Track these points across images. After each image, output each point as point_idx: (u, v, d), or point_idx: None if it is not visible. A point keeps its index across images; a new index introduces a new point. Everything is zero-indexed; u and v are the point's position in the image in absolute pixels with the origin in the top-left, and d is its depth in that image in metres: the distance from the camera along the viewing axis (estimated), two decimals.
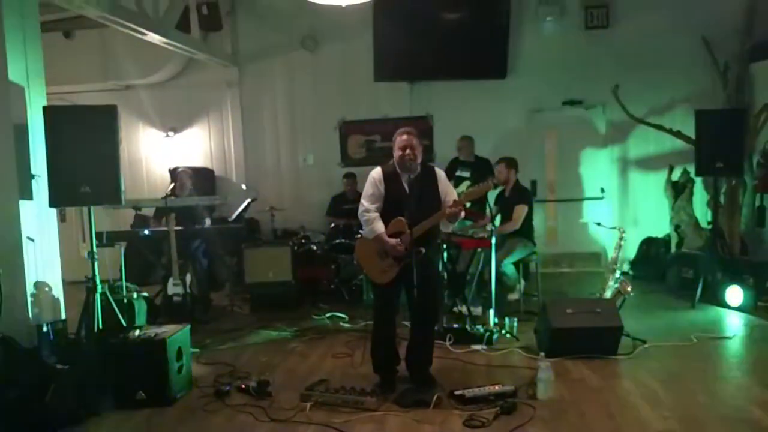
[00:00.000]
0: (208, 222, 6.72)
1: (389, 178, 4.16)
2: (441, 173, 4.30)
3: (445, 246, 5.76)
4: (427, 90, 8.73)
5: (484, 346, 5.09)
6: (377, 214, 4.13)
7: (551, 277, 7.84)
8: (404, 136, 4.11)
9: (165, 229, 6.20)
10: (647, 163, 8.41)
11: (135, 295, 5.59)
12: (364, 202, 4.18)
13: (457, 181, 7.03)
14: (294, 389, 4.17)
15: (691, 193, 7.75)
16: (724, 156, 6.17)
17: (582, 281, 7.73)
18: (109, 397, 4.06)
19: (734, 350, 5.08)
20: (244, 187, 8.03)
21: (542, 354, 4.21)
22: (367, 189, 4.20)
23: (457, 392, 3.95)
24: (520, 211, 6.28)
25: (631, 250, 8.16)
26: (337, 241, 7.40)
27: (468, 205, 4.93)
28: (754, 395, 3.95)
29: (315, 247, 7.41)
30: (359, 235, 4.53)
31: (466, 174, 7.33)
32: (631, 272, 8.13)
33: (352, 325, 6.06)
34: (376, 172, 4.20)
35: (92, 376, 4.07)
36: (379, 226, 4.09)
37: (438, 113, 8.70)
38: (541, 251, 6.86)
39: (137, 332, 4.28)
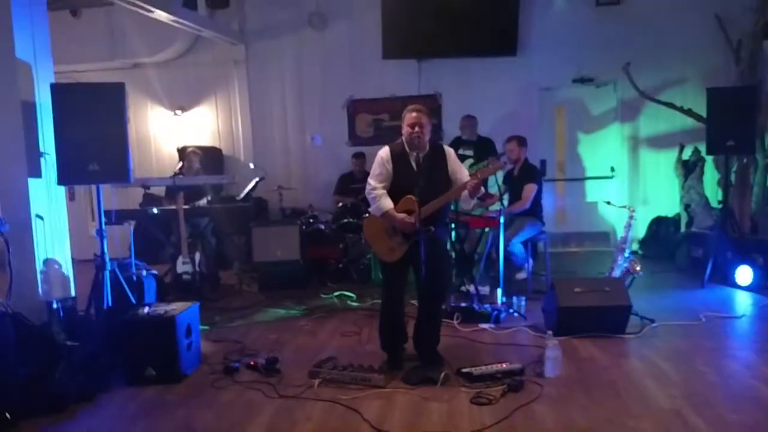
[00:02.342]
0: (204, 201, 6.72)
1: (397, 157, 4.12)
2: (450, 152, 4.24)
3: (453, 225, 5.74)
4: (435, 68, 8.64)
5: (492, 325, 5.10)
6: (384, 191, 4.10)
7: (560, 256, 7.85)
8: (413, 114, 4.06)
9: (173, 207, 6.21)
10: (658, 142, 8.33)
11: (144, 273, 5.61)
12: (372, 182, 4.15)
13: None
14: (302, 366, 4.19)
15: (702, 172, 7.69)
16: (736, 134, 6.11)
17: (591, 260, 7.72)
18: (119, 373, 4.10)
19: (743, 329, 5.05)
20: (251, 166, 8.02)
21: (550, 333, 4.21)
22: (375, 168, 4.17)
23: (464, 370, 3.95)
24: (530, 190, 6.25)
25: (640, 230, 8.14)
26: (345, 220, 7.39)
27: None
28: (762, 374, 3.94)
29: (323, 227, 7.40)
30: (367, 215, 4.51)
31: (469, 153, 7.29)
32: (640, 251, 8.12)
33: (359, 304, 6.07)
34: (384, 152, 4.16)
35: (102, 353, 4.10)
36: (388, 203, 4.06)
37: (447, 91, 8.63)
38: (550, 230, 6.83)
39: (147, 309, 4.30)
